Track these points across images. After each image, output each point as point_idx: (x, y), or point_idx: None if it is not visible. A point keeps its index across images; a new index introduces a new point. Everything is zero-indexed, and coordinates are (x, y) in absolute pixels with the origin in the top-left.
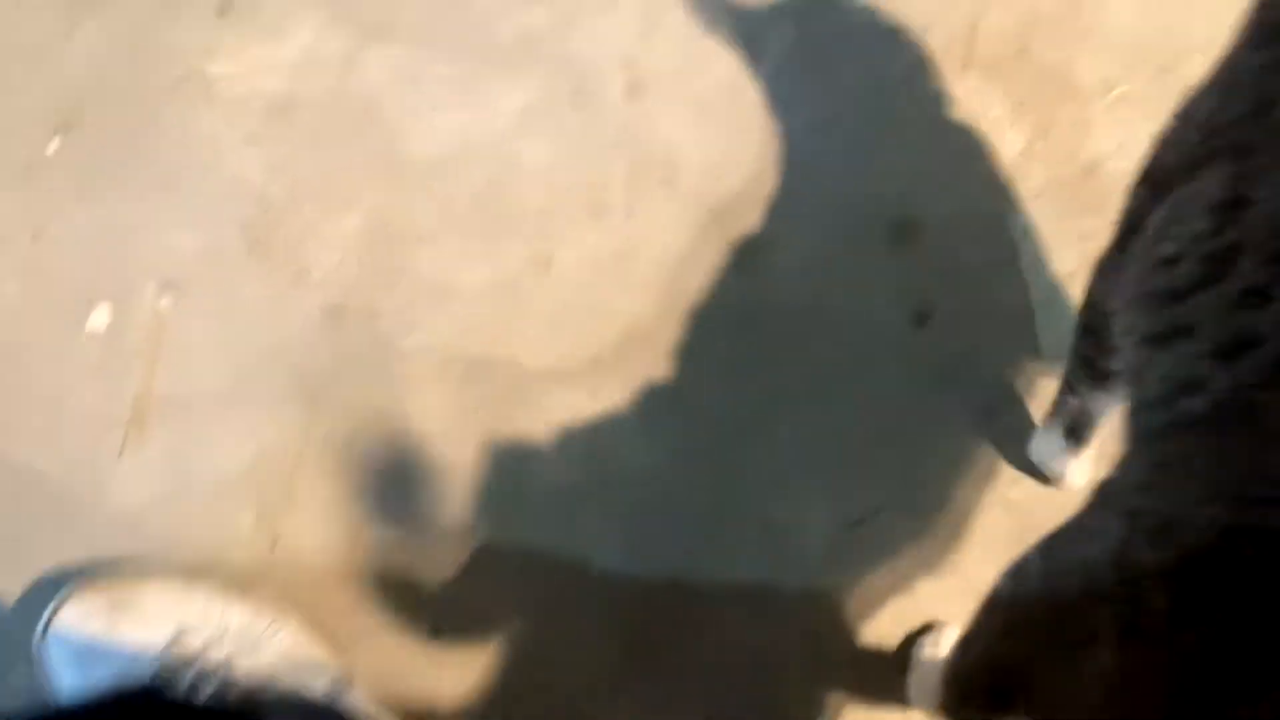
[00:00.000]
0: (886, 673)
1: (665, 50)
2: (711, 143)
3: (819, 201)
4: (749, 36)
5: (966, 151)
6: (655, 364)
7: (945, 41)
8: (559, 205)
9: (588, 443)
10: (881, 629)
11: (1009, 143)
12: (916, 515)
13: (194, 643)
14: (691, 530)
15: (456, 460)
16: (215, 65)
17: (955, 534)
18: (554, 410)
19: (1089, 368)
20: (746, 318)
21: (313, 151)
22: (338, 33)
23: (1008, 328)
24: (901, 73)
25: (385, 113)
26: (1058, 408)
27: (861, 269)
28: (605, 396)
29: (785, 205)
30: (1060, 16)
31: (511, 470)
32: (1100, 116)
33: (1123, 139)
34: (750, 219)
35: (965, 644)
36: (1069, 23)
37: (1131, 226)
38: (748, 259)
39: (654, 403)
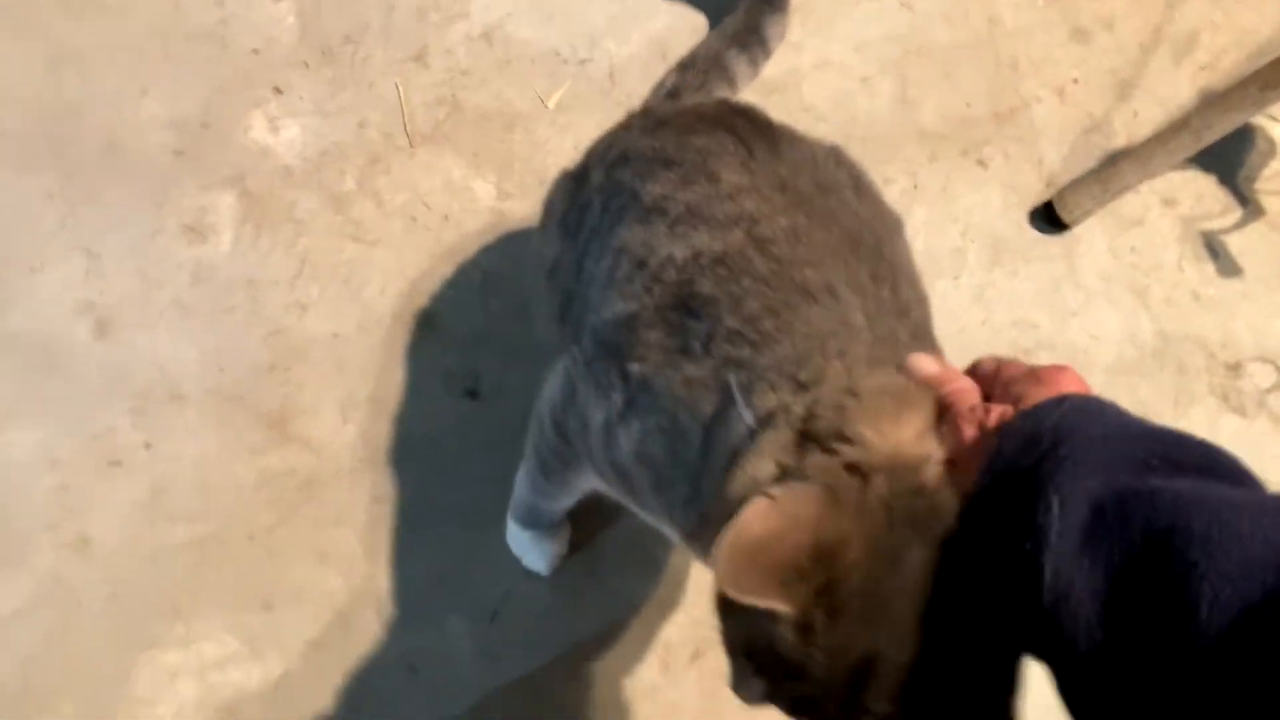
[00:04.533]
0: None
1: (118, 277)
2: (203, 337)
3: (334, 336)
4: (198, 220)
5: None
6: (243, 589)
7: (385, 131)
8: (73, 476)
9: None
10: None
11: (482, 194)
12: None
13: None
14: None
15: None
16: None
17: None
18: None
19: None
20: (306, 483)
21: None
22: None
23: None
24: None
25: None
26: None
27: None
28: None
29: (302, 357)
30: (474, 63)
31: None
32: (546, 129)
33: (575, 140)
34: (270, 389)
35: None
36: (485, 59)
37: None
38: (280, 429)
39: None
